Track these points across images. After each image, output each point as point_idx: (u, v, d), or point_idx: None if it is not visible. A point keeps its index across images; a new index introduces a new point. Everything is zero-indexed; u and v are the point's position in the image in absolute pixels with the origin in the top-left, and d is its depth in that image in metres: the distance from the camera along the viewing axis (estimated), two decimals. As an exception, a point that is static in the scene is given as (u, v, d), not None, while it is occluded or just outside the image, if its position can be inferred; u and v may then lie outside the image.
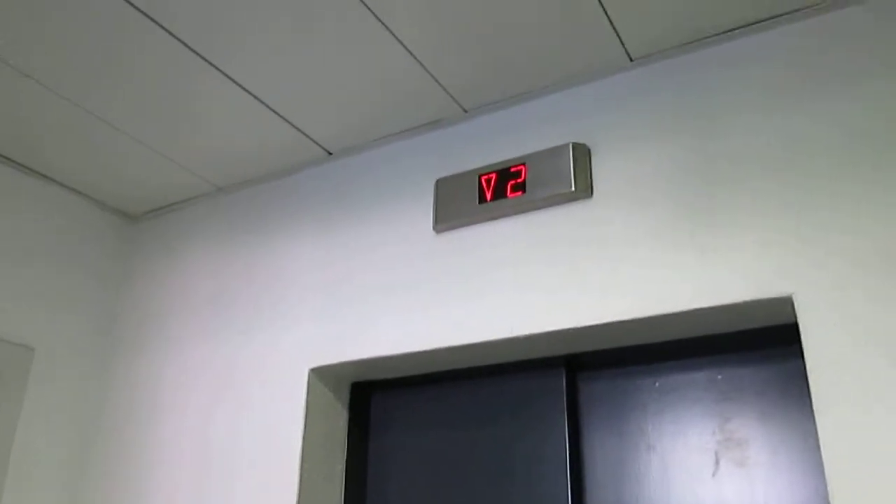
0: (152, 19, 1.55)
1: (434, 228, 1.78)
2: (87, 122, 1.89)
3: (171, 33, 1.59)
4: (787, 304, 1.36)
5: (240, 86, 1.76)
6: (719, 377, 1.57)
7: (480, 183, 1.73)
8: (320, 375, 1.84)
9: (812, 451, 1.43)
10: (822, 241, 1.35)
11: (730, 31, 1.56)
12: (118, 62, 1.69)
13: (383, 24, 1.56)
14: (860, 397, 1.24)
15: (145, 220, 2.37)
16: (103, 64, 1.70)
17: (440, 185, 1.80)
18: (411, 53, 1.65)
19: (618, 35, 1.58)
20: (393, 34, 1.59)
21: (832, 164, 1.39)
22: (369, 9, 1.52)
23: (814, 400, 1.27)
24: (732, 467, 1.49)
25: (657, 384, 1.63)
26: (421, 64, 1.68)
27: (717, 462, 1.51)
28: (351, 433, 1.90)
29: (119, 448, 2.06)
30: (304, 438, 1.76)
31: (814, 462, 1.42)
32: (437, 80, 1.73)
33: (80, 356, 2.15)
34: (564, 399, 1.69)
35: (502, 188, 1.70)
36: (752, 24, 1.54)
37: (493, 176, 1.72)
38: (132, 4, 1.51)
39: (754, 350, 1.54)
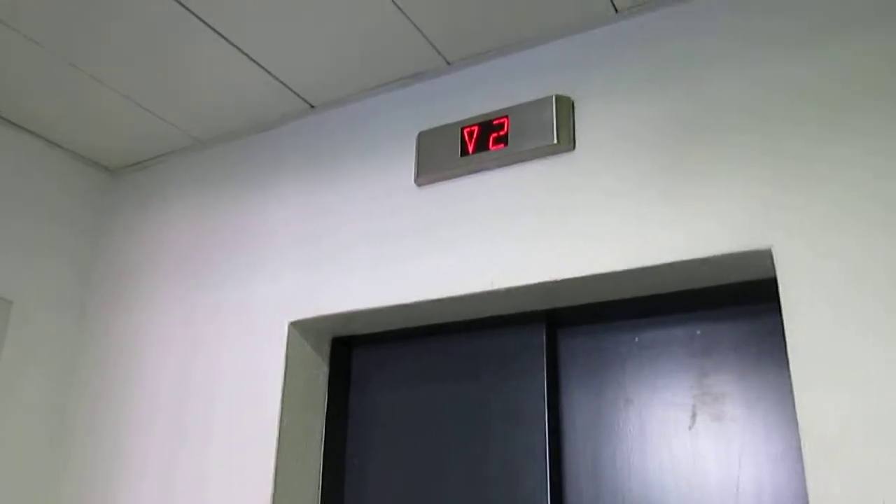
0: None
1: (416, 182, 1.77)
2: (67, 74, 1.86)
3: (146, -24, 1.56)
4: (766, 257, 1.36)
5: (222, 36, 1.72)
6: (698, 332, 1.57)
7: (463, 135, 1.71)
8: (300, 329, 1.83)
9: (787, 406, 1.44)
10: (802, 193, 1.34)
11: (717, -18, 1.54)
12: (98, 11, 1.65)
13: (365, -30, 1.53)
14: (835, 352, 1.24)
15: (124, 174, 2.34)
16: (83, 13, 1.66)
17: (422, 137, 1.78)
18: (395, 3, 1.61)
19: (603, -15, 1.56)
20: (375, -19, 1.56)
21: (815, 115, 1.38)
22: (350, -47, 1.49)
23: (790, 356, 1.27)
24: (709, 421, 1.50)
25: (637, 340, 1.63)
26: (405, 14, 1.65)
27: (693, 416, 1.52)
28: (331, 388, 1.89)
29: (95, 401, 2.05)
30: (284, 393, 1.76)
31: (789, 416, 1.43)
32: (420, 31, 1.71)
33: (58, 309, 2.14)
34: (544, 354, 1.69)
35: (484, 141, 1.68)
36: (740, -25, 1.52)
37: (476, 128, 1.70)
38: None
39: (734, 305, 1.55)
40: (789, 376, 1.31)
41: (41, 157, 2.16)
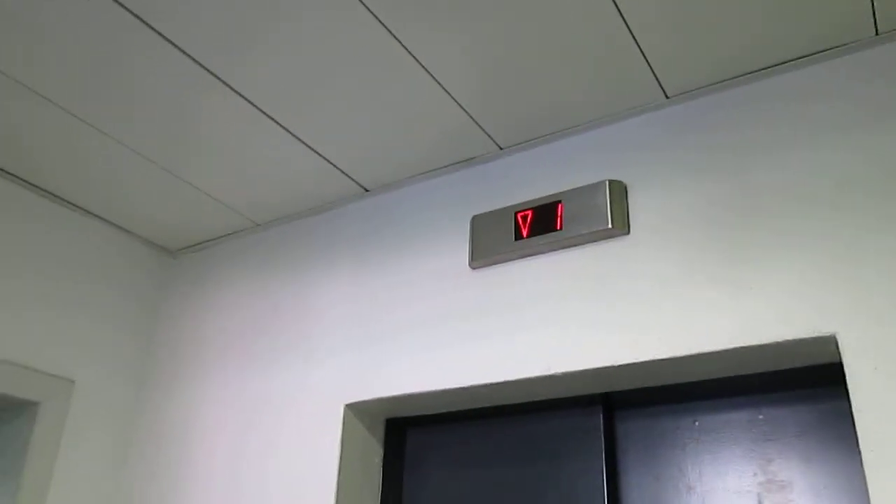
0: (195, 60, 1.60)
1: (470, 265, 1.79)
2: (131, 160, 1.94)
3: (211, 72, 1.63)
4: (830, 343, 1.34)
5: (279, 124, 1.79)
6: (760, 417, 1.54)
7: (516, 219, 1.74)
8: (355, 411, 1.84)
9: (858, 494, 1.39)
10: (863, 277, 1.33)
11: (763, 69, 1.56)
12: (160, 102, 1.73)
13: (419, 62, 1.58)
14: (908, 440, 1.21)
15: (184, 255, 2.41)
16: (148, 106, 1.74)
17: (476, 221, 1.81)
18: (447, 91, 1.67)
19: (653, 72, 1.59)
20: (429, 72, 1.61)
21: (869, 199, 1.38)
22: (405, 48, 1.55)
23: (860, 441, 1.24)
24: (775, 510, 1.46)
25: (696, 423, 1.60)
26: (456, 102, 1.70)
27: (759, 504, 1.48)
28: (386, 470, 1.89)
29: (151, 482, 2.07)
30: (339, 475, 1.76)
31: (860, 506, 1.38)
32: (472, 118, 1.75)
33: (118, 389, 2.18)
34: (602, 438, 1.67)
35: (538, 225, 1.70)
36: (786, 62, 1.54)
37: (530, 213, 1.72)
38: (184, 52, 1.56)
39: (796, 389, 1.52)
40: (859, 462, 1.27)
41: (104, 239, 2.24)
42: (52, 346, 2.05)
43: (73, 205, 2.16)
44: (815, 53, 1.51)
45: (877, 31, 1.45)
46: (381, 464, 1.88)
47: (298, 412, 1.89)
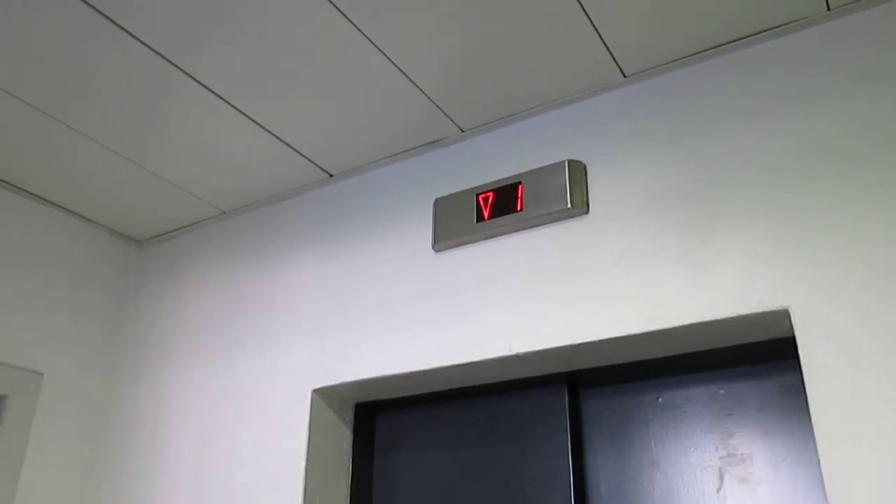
0: (156, 52, 1.58)
1: (433, 247, 1.79)
2: (94, 151, 1.93)
3: (172, 63, 1.62)
4: (783, 317, 1.35)
5: (241, 112, 1.78)
6: (721, 392, 1.56)
7: (478, 201, 1.74)
8: (323, 396, 1.84)
9: (816, 465, 1.41)
10: (816, 252, 1.35)
11: (720, 45, 1.57)
12: (122, 93, 1.72)
13: (380, 49, 1.58)
14: (858, 410, 1.22)
15: (150, 245, 2.39)
16: (110, 97, 1.73)
17: (438, 204, 1.81)
18: (408, 77, 1.66)
19: (610, 52, 1.59)
20: (389, 59, 1.61)
21: (825, 175, 1.39)
22: (366, 36, 1.54)
23: (812, 413, 1.26)
24: (736, 484, 1.48)
25: (659, 400, 1.62)
26: (417, 87, 1.70)
27: (721, 478, 1.50)
28: (355, 454, 1.89)
29: (121, 473, 2.07)
30: (308, 460, 1.76)
31: (815, 476, 1.40)
32: (433, 101, 1.75)
33: (86, 381, 2.17)
34: (567, 417, 1.68)
35: (499, 206, 1.70)
36: (742, 38, 1.55)
37: (491, 195, 1.73)
38: (146, 45, 1.55)
39: (755, 364, 1.53)
40: (814, 434, 1.29)
41: (70, 230, 2.23)
42: (19, 339, 2.04)
43: (37, 196, 2.14)
44: (769, 29, 1.52)
45: (828, 6, 1.46)
46: (350, 448, 1.89)
47: (266, 399, 1.89)
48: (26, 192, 2.11)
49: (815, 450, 1.39)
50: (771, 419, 1.49)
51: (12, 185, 2.08)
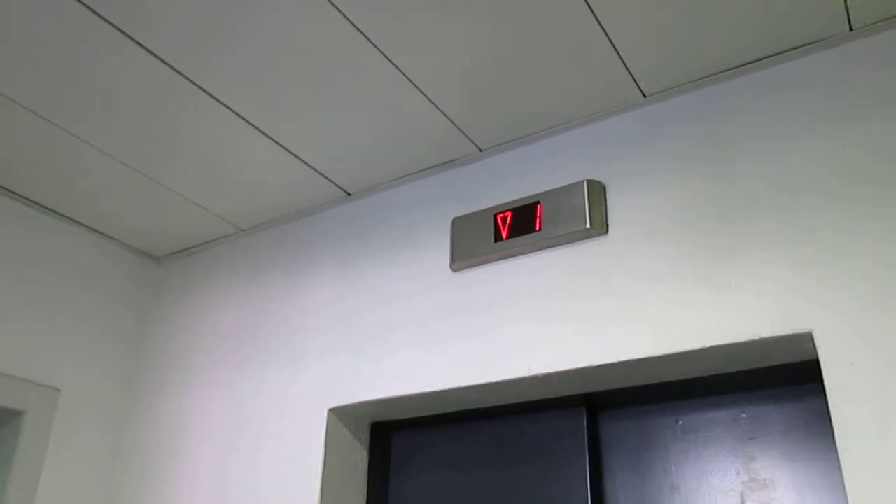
0: (176, 70, 1.59)
1: (451, 267, 1.78)
2: (113, 167, 1.94)
3: (193, 83, 1.63)
4: (807, 340, 1.33)
5: (260, 130, 1.79)
6: (743, 415, 1.54)
7: (496, 221, 1.73)
8: (339, 416, 1.83)
9: (841, 491, 1.38)
10: (840, 274, 1.33)
11: (740, 65, 1.56)
12: (143, 112, 1.73)
13: (398, 68, 1.59)
14: (884, 434, 1.20)
15: (169, 261, 2.40)
16: (128, 114, 1.74)
17: (456, 223, 1.81)
18: (426, 96, 1.67)
19: (629, 72, 1.59)
20: (408, 78, 1.61)
21: (848, 196, 1.37)
22: (384, 55, 1.55)
23: (837, 438, 1.24)
24: (758, 509, 1.45)
25: (679, 423, 1.60)
26: (436, 106, 1.70)
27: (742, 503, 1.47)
28: (371, 474, 1.88)
29: (139, 489, 2.06)
30: (324, 480, 1.75)
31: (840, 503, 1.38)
32: (452, 121, 1.75)
33: (104, 397, 2.17)
34: (585, 439, 1.66)
35: (518, 226, 1.70)
36: (763, 58, 1.54)
37: (509, 214, 1.72)
38: (163, 61, 1.56)
39: (778, 387, 1.51)
40: (838, 460, 1.26)
41: (90, 246, 2.24)
42: (37, 355, 2.04)
43: (56, 213, 2.15)
44: (790, 49, 1.51)
45: (850, 27, 1.45)
46: (366, 468, 1.88)
47: (283, 417, 1.89)
48: (45, 207, 2.13)
49: (841, 476, 1.36)
50: (794, 443, 1.46)
51: (31, 202, 2.10)
